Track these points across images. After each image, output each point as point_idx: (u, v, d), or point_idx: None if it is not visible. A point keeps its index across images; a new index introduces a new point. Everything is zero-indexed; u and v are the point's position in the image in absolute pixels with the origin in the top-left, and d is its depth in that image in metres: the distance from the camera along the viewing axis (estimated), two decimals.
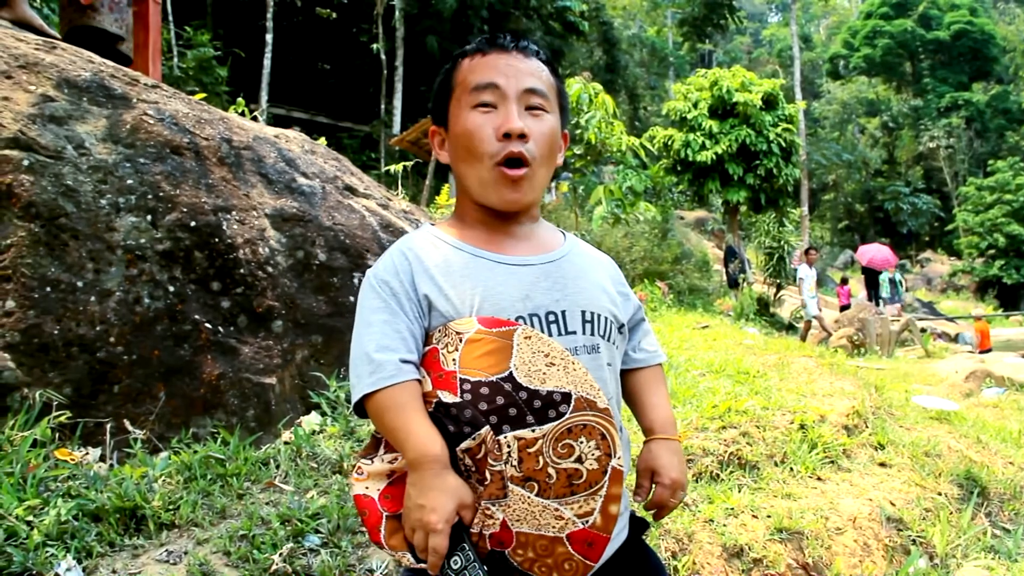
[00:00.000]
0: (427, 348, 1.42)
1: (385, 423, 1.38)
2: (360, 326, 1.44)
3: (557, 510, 1.33)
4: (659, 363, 1.74)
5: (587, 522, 1.35)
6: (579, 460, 1.34)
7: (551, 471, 1.32)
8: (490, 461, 1.32)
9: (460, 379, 1.35)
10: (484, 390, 1.33)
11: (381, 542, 1.37)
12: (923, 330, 17.50)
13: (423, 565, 1.32)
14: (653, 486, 1.59)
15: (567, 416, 1.34)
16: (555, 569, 1.35)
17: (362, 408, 1.42)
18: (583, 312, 1.49)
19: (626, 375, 1.68)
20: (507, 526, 1.33)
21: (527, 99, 1.50)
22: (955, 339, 20.45)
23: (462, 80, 1.52)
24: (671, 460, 1.59)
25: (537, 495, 1.33)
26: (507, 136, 1.46)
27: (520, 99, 1.49)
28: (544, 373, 1.35)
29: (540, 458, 1.32)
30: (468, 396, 1.34)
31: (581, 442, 1.34)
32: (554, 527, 1.33)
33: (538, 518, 1.33)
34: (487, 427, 1.32)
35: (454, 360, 1.36)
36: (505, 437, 1.32)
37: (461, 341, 1.37)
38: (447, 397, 1.35)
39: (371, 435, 1.48)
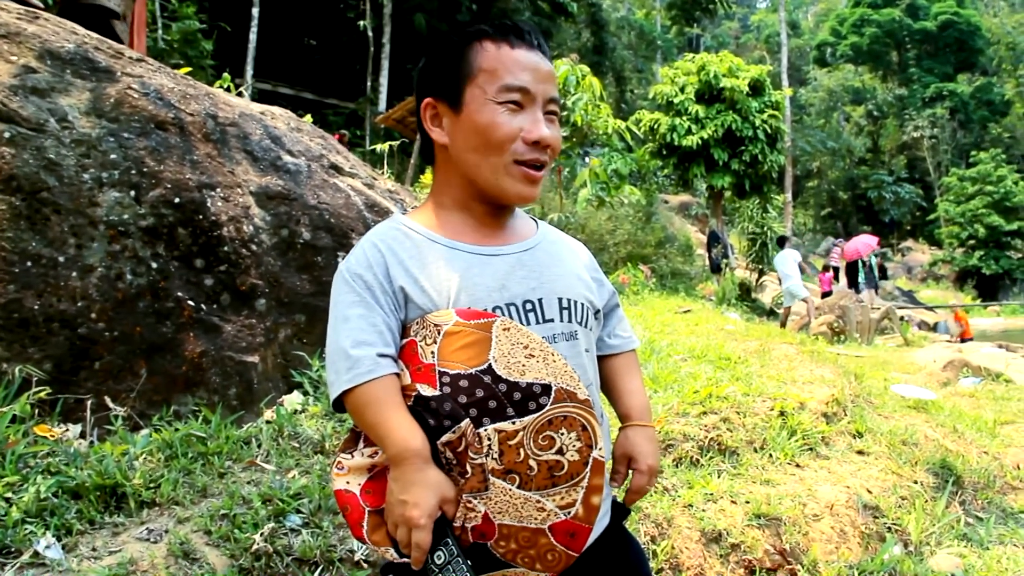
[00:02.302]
0: (404, 341, 1.42)
1: (365, 419, 1.37)
2: (335, 321, 1.43)
3: (539, 502, 1.33)
4: (633, 348, 1.75)
5: (569, 513, 1.34)
6: (560, 452, 1.33)
7: (532, 463, 1.32)
8: (471, 454, 1.31)
9: (439, 372, 1.34)
10: (463, 383, 1.33)
11: (364, 537, 1.36)
12: (902, 318, 17.65)
13: (406, 560, 1.32)
14: (630, 472, 1.61)
15: (547, 408, 1.33)
16: (538, 560, 1.35)
17: (341, 404, 1.41)
18: (560, 299, 1.49)
19: (601, 361, 1.68)
20: (489, 518, 1.33)
21: (548, 106, 1.49)
22: (934, 328, 20.64)
23: (490, 69, 1.46)
24: (647, 447, 1.61)
25: (519, 487, 1.32)
26: (535, 143, 1.45)
27: (544, 105, 1.48)
28: (524, 365, 1.34)
29: (521, 450, 1.32)
30: (447, 389, 1.33)
31: (562, 433, 1.34)
32: (536, 519, 1.33)
33: (520, 510, 1.32)
34: (467, 420, 1.31)
35: (432, 353, 1.36)
36: (485, 430, 1.31)
37: (439, 334, 1.36)
38: (426, 390, 1.34)
39: (350, 429, 1.48)
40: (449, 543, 1.30)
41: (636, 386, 1.69)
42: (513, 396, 1.32)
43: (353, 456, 1.42)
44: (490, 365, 1.33)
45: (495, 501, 1.32)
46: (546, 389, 1.34)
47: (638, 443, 1.60)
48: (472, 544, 1.33)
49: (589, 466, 1.35)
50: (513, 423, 1.32)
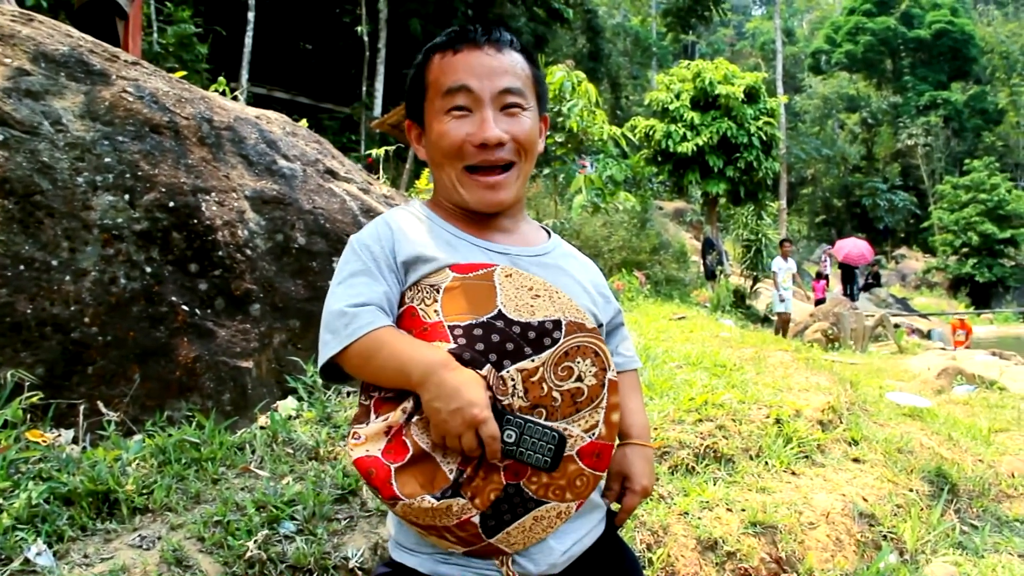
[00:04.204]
0: (402, 308, 1.44)
1: (377, 362, 1.36)
2: (337, 285, 1.44)
3: (566, 429, 1.37)
4: (635, 368, 1.75)
5: (593, 435, 1.40)
6: (579, 379, 1.39)
7: (556, 394, 1.37)
8: (498, 396, 1.33)
9: (449, 327, 1.37)
10: (477, 331, 1.36)
11: (395, 494, 1.32)
12: (896, 326, 17.69)
13: (446, 501, 1.31)
14: (624, 490, 1.61)
15: (561, 341, 1.39)
16: (568, 489, 1.38)
17: (331, 372, 1.42)
18: None
19: None
20: None
21: (502, 99, 1.48)
22: (928, 335, 20.68)
23: (434, 81, 1.49)
24: (644, 468, 1.61)
25: (546, 419, 1.36)
26: (484, 146, 1.45)
27: (495, 101, 1.47)
28: (532, 305, 1.40)
29: (544, 384, 1.36)
30: (463, 340, 1.36)
31: (578, 362, 1.40)
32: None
33: None
34: (488, 365, 1.33)
35: (436, 312, 1.39)
36: (508, 371, 1.35)
37: (439, 292, 1.41)
38: (441, 346, 1.36)
39: (359, 404, 1.46)
40: (511, 418, 1.32)
41: (636, 405, 1.69)
42: (528, 335, 1.37)
43: (368, 424, 1.41)
44: (500, 311, 1.38)
45: None
46: (557, 324, 1.40)
47: (635, 463, 1.61)
48: (506, 486, 1.34)
49: (606, 387, 1.42)
50: (532, 360, 1.37)
